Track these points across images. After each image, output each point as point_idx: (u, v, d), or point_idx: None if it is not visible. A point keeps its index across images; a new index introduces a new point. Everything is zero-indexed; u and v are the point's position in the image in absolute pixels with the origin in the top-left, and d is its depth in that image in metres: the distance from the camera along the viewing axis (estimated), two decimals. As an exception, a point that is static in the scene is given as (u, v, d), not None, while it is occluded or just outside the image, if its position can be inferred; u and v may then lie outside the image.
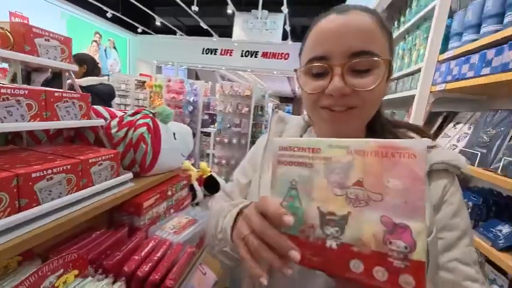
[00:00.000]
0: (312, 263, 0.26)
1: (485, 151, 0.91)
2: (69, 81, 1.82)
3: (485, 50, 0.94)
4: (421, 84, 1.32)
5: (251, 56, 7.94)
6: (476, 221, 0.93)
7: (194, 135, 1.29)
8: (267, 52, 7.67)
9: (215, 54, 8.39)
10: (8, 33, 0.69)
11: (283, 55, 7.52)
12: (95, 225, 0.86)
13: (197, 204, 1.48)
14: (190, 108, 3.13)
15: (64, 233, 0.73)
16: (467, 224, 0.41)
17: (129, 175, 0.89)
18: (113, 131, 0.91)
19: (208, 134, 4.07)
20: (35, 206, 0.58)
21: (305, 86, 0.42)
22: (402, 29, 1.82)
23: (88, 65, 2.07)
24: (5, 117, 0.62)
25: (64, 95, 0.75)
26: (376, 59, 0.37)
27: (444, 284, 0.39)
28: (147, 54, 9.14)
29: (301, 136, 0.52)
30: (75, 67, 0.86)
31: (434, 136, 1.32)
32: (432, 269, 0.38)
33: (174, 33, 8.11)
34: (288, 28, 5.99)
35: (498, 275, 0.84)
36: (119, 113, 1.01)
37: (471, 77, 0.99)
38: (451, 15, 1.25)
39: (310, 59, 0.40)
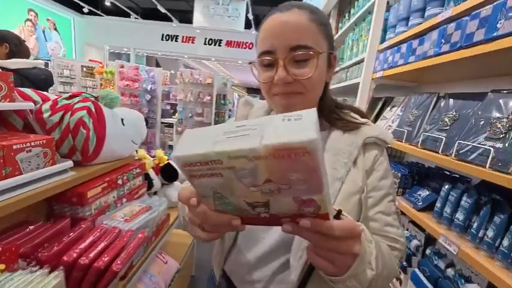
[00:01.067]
0: (254, 224, 0.33)
1: (410, 129, 1.06)
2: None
3: (411, 40, 1.08)
4: (364, 72, 1.45)
5: (215, 45, 7.68)
6: (404, 188, 1.09)
7: (147, 122, 1.23)
8: (231, 41, 7.51)
9: (176, 41, 7.91)
10: None
11: (247, 44, 7.45)
12: (30, 218, 0.78)
13: (155, 193, 1.43)
14: (148, 97, 2.94)
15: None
16: (390, 185, 0.52)
17: (68, 163, 0.82)
18: (45, 115, 0.82)
19: (170, 125, 3.87)
20: None
21: (259, 76, 0.49)
22: (351, 20, 1.95)
23: (10, 43, 1.76)
24: None
25: (-25, 72, 0.65)
26: (311, 52, 0.44)
27: (371, 231, 0.48)
28: (96, 38, 8.19)
29: None
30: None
31: (376, 118, 1.48)
32: (364, 221, 0.48)
33: (128, 15, 7.39)
34: (251, 17, 5.92)
35: (418, 231, 1.00)
36: (53, 97, 0.91)
37: (401, 64, 1.13)
38: (388, 9, 1.38)
39: (261, 53, 0.47)
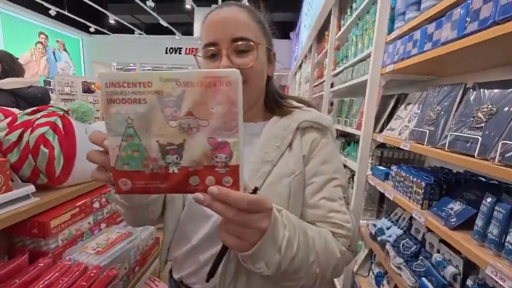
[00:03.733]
0: (159, 190, 0.30)
1: (433, 128, 0.89)
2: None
3: (426, 25, 0.92)
4: (371, 68, 1.29)
5: (218, 54, 7.72)
6: (430, 200, 0.90)
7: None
8: (234, 49, 7.52)
9: (180, 53, 8.02)
10: None
11: (250, 52, 7.42)
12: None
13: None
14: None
15: None
16: (335, 170, 0.52)
17: (28, 188, 0.71)
18: (1, 134, 0.71)
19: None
20: None
21: (205, 68, 0.50)
22: (354, 15, 1.81)
23: (2, 63, 1.73)
24: None
25: None
26: (251, 43, 0.48)
27: (315, 218, 0.50)
28: (104, 56, 8.43)
29: None
30: None
31: (389, 118, 1.31)
32: (294, 204, 0.49)
33: (132, 32, 7.58)
34: (251, 24, 5.89)
35: (453, 255, 0.81)
36: (17, 111, 0.81)
37: (415, 54, 0.96)
38: (395, -4, 1.23)
39: (205, 44, 0.49)
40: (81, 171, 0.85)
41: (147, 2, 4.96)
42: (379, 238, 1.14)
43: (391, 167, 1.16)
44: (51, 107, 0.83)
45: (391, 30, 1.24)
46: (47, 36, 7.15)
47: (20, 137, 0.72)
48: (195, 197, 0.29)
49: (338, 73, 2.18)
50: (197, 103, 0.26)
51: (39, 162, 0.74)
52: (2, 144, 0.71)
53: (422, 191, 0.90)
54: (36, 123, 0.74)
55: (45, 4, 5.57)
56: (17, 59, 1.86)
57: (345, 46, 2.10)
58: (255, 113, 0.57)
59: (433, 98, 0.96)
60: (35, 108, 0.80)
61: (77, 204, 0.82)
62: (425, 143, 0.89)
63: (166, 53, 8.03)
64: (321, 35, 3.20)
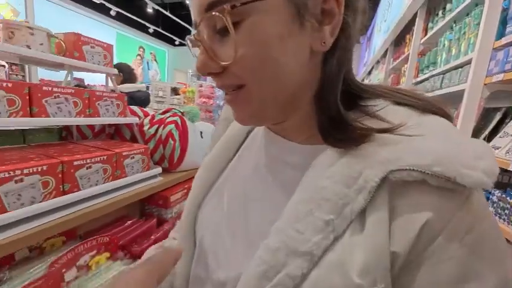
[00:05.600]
0: None
1: (560, 150, 0.75)
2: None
3: (558, 29, 0.79)
4: (471, 76, 1.16)
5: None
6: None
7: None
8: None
9: (245, 60, 8.60)
10: (62, 42, 0.79)
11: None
12: (128, 214, 0.93)
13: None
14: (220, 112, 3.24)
15: (101, 219, 0.80)
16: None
17: (159, 169, 0.94)
18: (145, 128, 0.97)
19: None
20: (76, 191, 0.65)
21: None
22: (448, 17, 1.63)
23: (124, 73, 2.32)
24: (56, 113, 0.71)
25: (105, 94, 0.83)
26: (217, 13, 0.22)
27: None
28: (182, 64, 9.80)
29: None
30: (115, 71, 0.95)
31: (491, 135, 1.14)
32: None
33: (207, 43, 8.54)
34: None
35: None
36: (152, 112, 1.09)
37: (538, 63, 0.83)
38: (509, -4, 1.08)
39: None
40: (188, 161, 1.07)
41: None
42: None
43: (493, 191, 1.01)
44: (173, 109, 1.08)
45: (500, 34, 1.09)
46: (144, 49, 8.80)
47: (156, 131, 0.97)
48: None
49: (422, 81, 1.99)
50: None
51: (166, 151, 0.97)
52: (145, 135, 0.98)
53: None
54: (166, 121, 0.98)
55: (147, 24, 6.89)
56: (133, 69, 2.44)
57: (432, 52, 1.90)
58: (294, 126, 0.29)
59: None
60: (164, 109, 1.06)
61: (185, 186, 1.04)
62: (547, 167, 0.76)
63: (234, 60, 8.73)
64: (400, 39, 2.95)
